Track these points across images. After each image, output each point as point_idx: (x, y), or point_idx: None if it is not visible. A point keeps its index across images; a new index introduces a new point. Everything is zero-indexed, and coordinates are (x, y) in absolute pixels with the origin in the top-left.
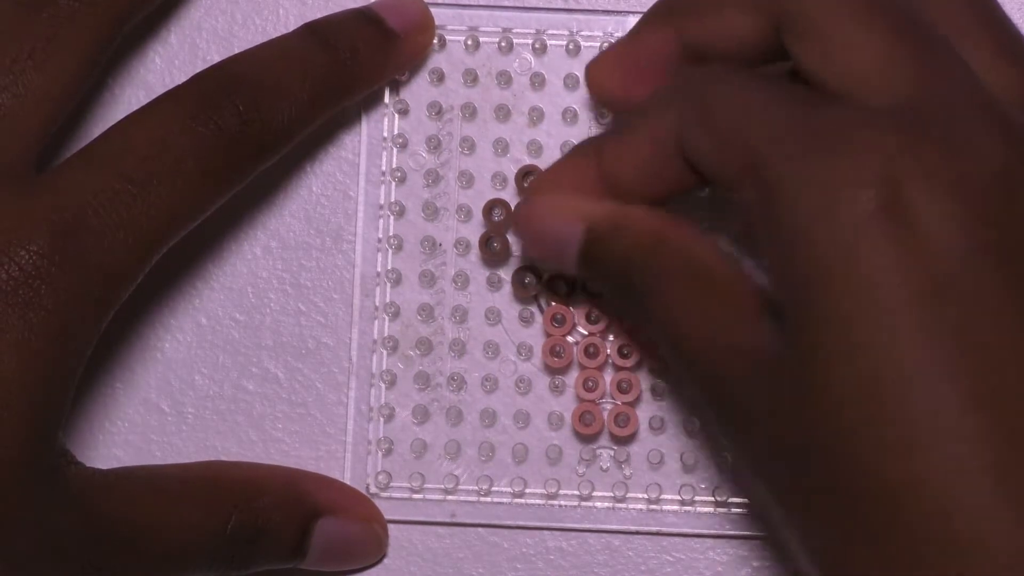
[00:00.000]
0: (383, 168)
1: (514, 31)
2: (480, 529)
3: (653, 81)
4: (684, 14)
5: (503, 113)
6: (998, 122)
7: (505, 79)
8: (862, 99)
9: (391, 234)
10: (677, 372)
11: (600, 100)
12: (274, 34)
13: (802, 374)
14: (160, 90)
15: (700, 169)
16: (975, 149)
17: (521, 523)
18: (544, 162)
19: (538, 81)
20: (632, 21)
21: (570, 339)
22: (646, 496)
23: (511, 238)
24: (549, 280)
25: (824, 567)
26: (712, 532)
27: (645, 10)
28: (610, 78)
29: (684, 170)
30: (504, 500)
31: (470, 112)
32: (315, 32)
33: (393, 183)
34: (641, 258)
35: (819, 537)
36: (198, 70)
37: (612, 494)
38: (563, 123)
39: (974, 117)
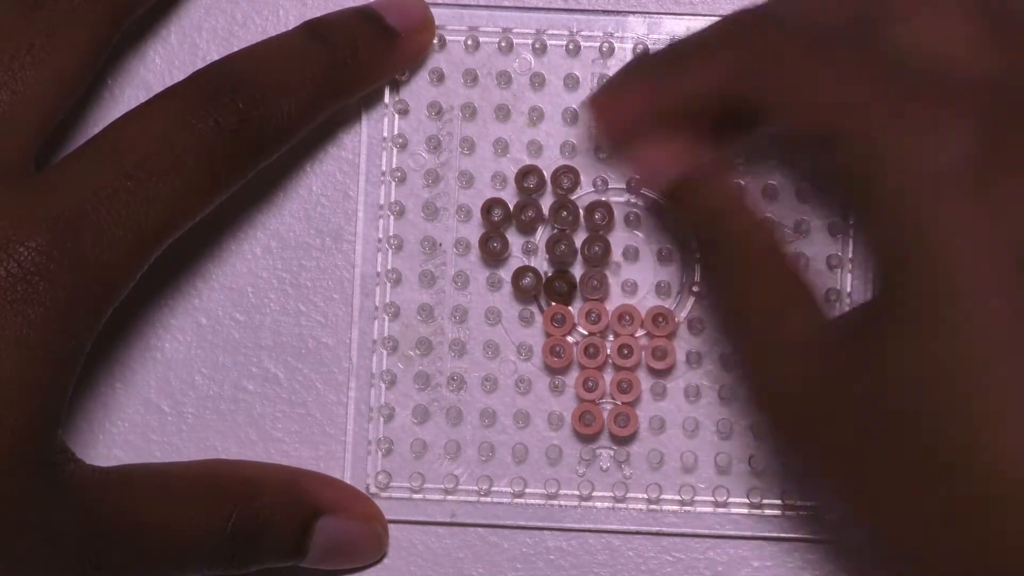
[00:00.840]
0: (383, 168)
1: (514, 31)
2: (480, 529)
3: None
4: (661, 71)
5: (503, 113)
6: None
7: (505, 79)
8: (952, 73)
9: (391, 234)
10: (726, 340)
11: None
12: (274, 34)
13: (888, 345)
14: (160, 90)
15: (771, 119)
16: None
17: (521, 523)
18: (544, 162)
19: (538, 81)
20: (632, 21)
21: (570, 339)
22: (646, 496)
23: (510, 237)
24: (548, 281)
25: (911, 558)
26: (712, 532)
27: (645, 10)
28: (614, 119)
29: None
30: (504, 500)
31: (470, 112)
32: (315, 30)
33: (393, 183)
34: (711, 220)
35: (902, 524)
36: None
37: (612, 494)
38: (563, 123)
39: None
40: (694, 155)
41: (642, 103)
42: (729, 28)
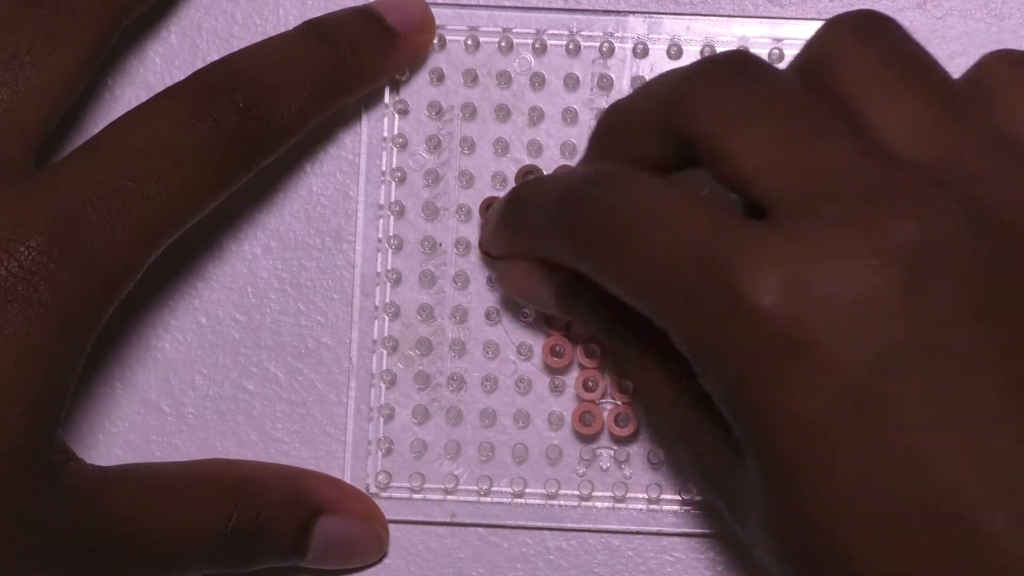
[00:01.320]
0: (383, 168)
1: (514, 31)
2: (480, 529)
3: None
4: (610, 144)
5: (503, 113)
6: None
7: (505, 79)
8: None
9: (391, 234)
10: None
11: None
12: (274, 33)
13: (755, 497)
14: (160, 90)
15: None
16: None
17: (521, 523)
18: (544, 162)
19: (538, 81)
20: (632, 21)
21: (570, 339)
22: (646, 496)
23: None
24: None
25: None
26: (712, 532)
27: (645, 10)
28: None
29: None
30: (504, 500)
31: (470, 112)
32: (315, 30)
33: (393, 183)
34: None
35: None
36: None
37: (612, 494)
38: (563, 123)
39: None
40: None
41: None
42: (661, 97)
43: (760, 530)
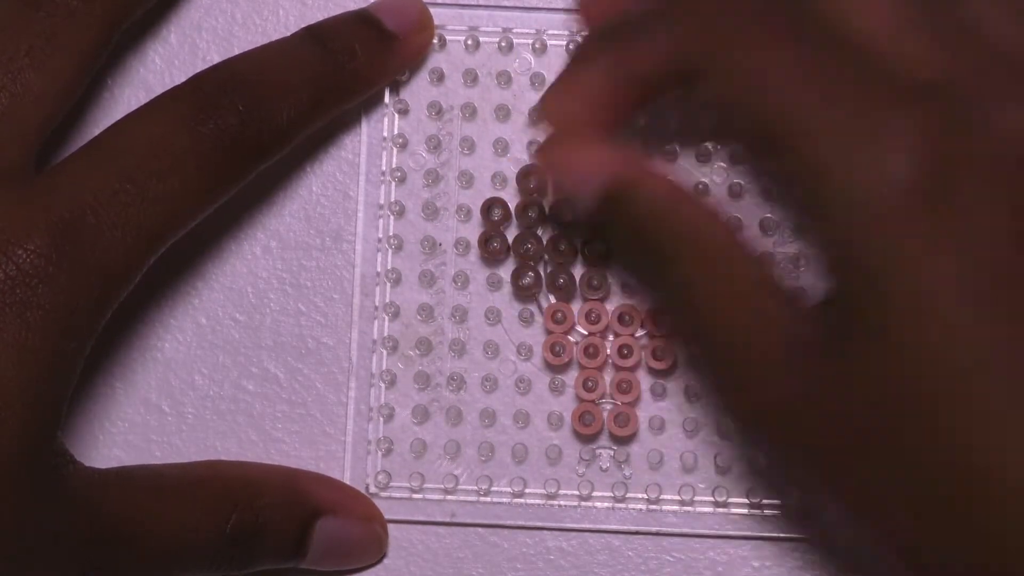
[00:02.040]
0: (383, 168)
1: (514, 31)
2: (480, 529)
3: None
4: (615, 45)
5: (503, 113)
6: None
7: (505, 79)
8: (900, 74)
9: (391, 234)
10: (693, 350)
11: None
12: (274, 35)
13: (848, 363)
14: (160, 90)
15: (721, 113)
16: (1007, 128)
17: (521, 523)
18: None
19: (538, 81)
20: None
21: (570, 338)
22: (646, 496)
23: (510, 237)
24: (550, 275)
25: (907, 556)
26: (712, 532)
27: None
28: (570, 109)
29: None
30: (504, 500)
31: (470, 112)
32: (314, 35)
33: (393, 183)
34: (660, 225)
35: (898, 525)
36: (198, 70)
37: (612, 494)
38: None
39: (1001, 94)
40: (628, 156)
41: (598, 94)
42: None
43: (825, 409)
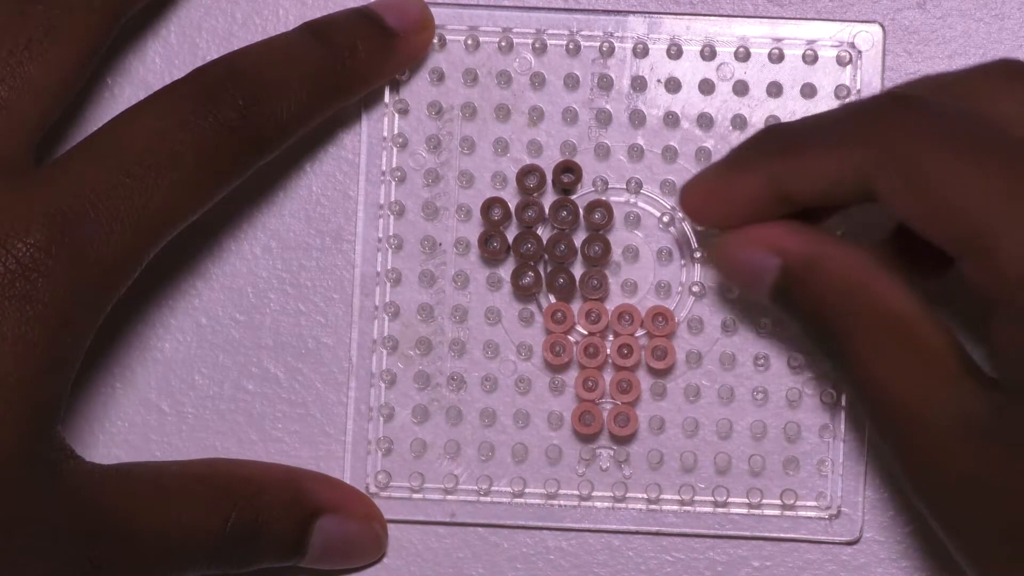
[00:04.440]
0: (383, 168)
1: (514, 31)
2: (480, 529)
3: (745, 218)
4: (777, 156)
5: (503, 113)
6: None
7: (505, 79)
8: None
9: (391, 234)
10: (870, 426)
11: (692, 220)
12: (274, 34)
13: (1017, 449)
14: None
15: (901, 219)
16: None
17: (521, 523)
18: (544, 162)
19: (538, 81)
20: (632, 21)
21: (570, 338)
22: (646, 496)
23: (510, 237)
24: (550, 275)
25: None
26: (712, 532)
27: (645, 10)
28: (704, 207)
29: (866, 195)
30: (504, 500)
31: (470, 112)
32: (314, 31)
33: (393, 183)
34: (836, 302)
35: None
36: None
37: (612, 494)
38: (563, 123)
39: None
40: (802, 237)
41: (750, 195)
42: (855, 115)
43: (987, 493)
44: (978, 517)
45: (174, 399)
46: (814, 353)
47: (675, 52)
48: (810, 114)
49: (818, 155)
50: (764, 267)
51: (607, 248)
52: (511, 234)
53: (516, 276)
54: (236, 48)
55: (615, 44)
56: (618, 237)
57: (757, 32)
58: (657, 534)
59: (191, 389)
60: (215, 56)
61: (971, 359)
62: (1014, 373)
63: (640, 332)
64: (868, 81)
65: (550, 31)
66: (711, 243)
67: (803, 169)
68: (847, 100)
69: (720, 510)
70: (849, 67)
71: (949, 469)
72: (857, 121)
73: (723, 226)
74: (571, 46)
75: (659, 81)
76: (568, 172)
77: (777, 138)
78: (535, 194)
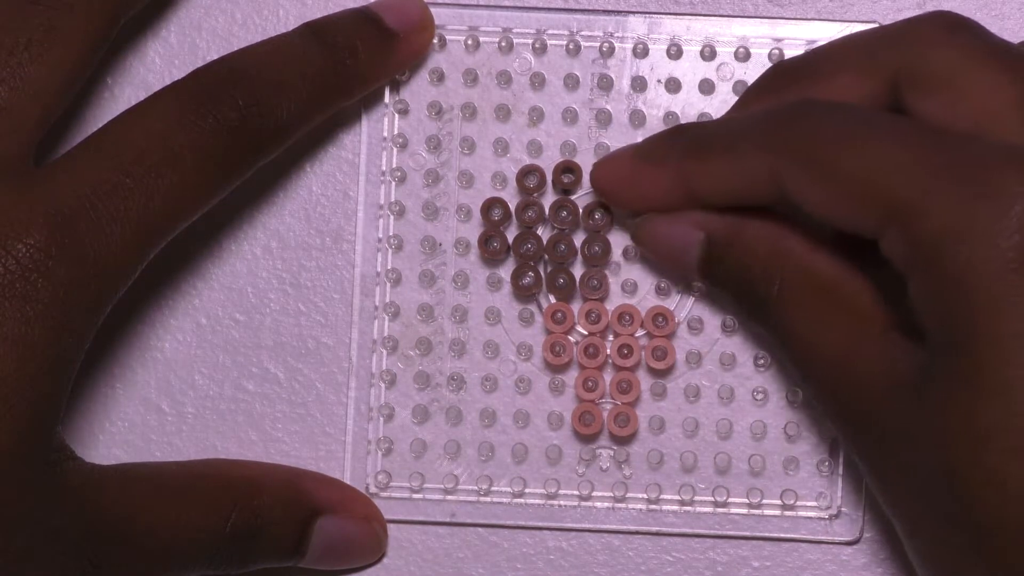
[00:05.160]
0: (383, 168)
1: (514, 31)
2: (480, 529)
3: (656, 208)
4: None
5: (503, 113)
6: None
7: (505, 79)
8: (998, 137)
9: (391, 234)
10: (803, 386)
11: (603, 200)
12: (274, 34)
13: (947, 401)
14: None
15: (813, 214)
16: None
17: (521, 523)
18: (544, 162)
19: (538, 81)
20: (632, 21)
21: (570, 338)
22: (646, 496)
23: (510, 237)
24: (550, 275)
25: None
26: (712, 532)
27: (645, 10)
28: (615, 191)
29: (775, 197)
30: (504, 500)
31: (470, 112)
32: (314, 31)
33: (393, 183)
34: (761, 267)
35: (945, 566)
36: None
37: (612, 494)
38: (563, 123)
39: None
40: (724, 213)
41: (660, 188)
42: (760, 121)
43: (917, 445)
44: (905, 469)
45: (174, 399)
46: (746, 324)
47: (675, 52)
48: (720, 115)
49: (723, 160)
50: (688, 241)
51: (607, 248)
52: (511, 234)
53: (516, 276)
54: (236, 48)
55: (615, 44)
56: (618, 237)
57: (757, 32)
58: (657, 534)
59: (191, 389)
60: (215, 56)
61: (897, 317)
62: (936, 332)
63: (640, 332)
64: None
65: (550, 31)
66: (636, 222)
67: (709, 172)
68: None
69: (720, 510)
70: None
71: (878, 423)
72: (761, 128)
73: (634, 211)
74: (571, 46)
75: (659, 81)
76: (568, 172)
77: (687, 138)
78: (535, 194)
